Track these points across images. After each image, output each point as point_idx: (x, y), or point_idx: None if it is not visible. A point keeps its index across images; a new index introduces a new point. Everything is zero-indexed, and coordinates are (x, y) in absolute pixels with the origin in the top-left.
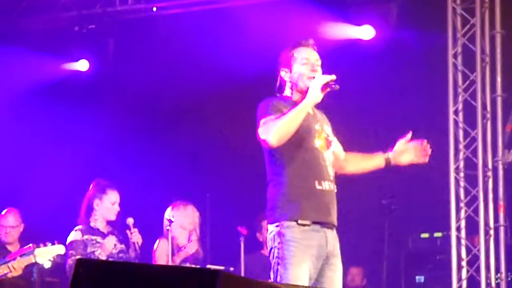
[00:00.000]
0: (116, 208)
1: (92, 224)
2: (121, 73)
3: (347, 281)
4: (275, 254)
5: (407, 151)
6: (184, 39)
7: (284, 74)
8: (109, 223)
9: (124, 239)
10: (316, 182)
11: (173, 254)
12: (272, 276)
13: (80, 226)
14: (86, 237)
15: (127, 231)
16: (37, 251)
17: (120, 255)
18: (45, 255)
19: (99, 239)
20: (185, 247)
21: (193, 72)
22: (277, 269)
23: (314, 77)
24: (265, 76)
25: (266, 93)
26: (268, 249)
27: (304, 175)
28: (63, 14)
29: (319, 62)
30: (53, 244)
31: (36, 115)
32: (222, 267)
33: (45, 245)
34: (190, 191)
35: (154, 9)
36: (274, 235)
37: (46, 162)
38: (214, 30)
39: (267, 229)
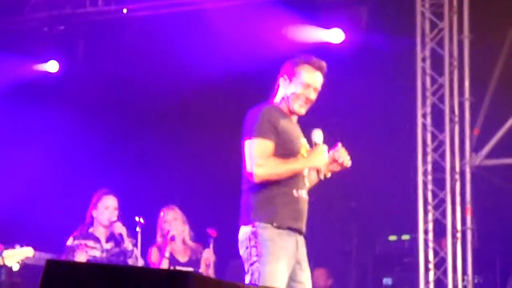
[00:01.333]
0: (110, 212)
1: (90, 230)
2: (90, 74)
3: (312, 282)
4: (252, 253)
5: (333, 162)
6: (154, 41)
7: (282, 81)
8: (109, 229)
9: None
10: (294, 190)
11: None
12: (248, 278)
13: (75, 232)
14: (76, 242)
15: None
16: (5, 253)
17: (112, 258)
18: (14, 257)
19: (90, 243)
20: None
21: (162, 74)
22: (256, 266)
23: (303, 101)
24: (235, 78)
25: (236, 94)
26: (242, 250)
27: (284, 183)
28: (33, 14)
29: (319, 89)
30: (21, 246)
31: (4, 116)
32: (191, 269)
33: (13, 247)
34: (160, 194)
35: (125, 10)
36: (249, 236)
37: (14, 163)
38: (184, 33)
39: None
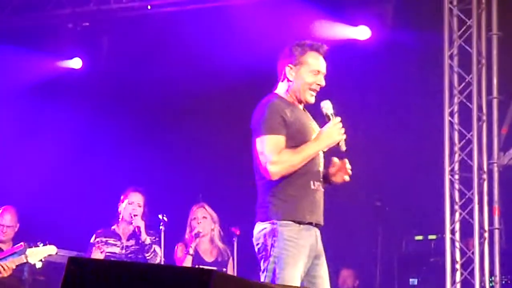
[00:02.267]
0: (133, 207)
1: (113, 227)
2: (114, 71)
3: (339, 284)
4: (271, 253)
5: (338, 171)
6: (179, 38)
7: (288, 71)
8: (132, 224)
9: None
10: (311, 182)
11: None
12: (264, 275)
13: (100, 230)
14: (98, 239)
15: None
16: (29, 251)
17: (130, 255)
18: (37, 255)
19: (111, 240)
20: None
21: (187, 70)
22: (274, 268)
23: (314, 89)
24: (260, 76)
25: (262, 92)
26: (257, 246)
27: (301, 174)
28: (56, 11)
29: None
30: (44, 244)
31: (29, 113)
32: (214, 268)
33: (36, 245)
34: (183, 191)
35: (149, 7)
36: (267, 233)
37: (40, 161)
38: (209, 29)
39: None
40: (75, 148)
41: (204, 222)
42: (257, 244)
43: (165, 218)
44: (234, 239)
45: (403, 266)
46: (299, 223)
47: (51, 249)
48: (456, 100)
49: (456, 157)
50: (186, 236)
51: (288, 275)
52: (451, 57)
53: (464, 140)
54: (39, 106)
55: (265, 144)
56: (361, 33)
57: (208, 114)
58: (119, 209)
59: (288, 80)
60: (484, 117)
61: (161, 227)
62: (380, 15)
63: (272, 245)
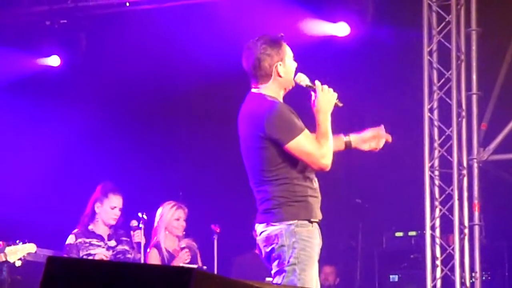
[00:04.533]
0: (116, 213)
1: (90, 227)
2: (93, 68)
3: (321, 280)
4: (293, 254)
5: (372, 139)
6: (157, 35)
7: (280, 68)
8: (111, 227)
9: (129, 241)
10: (313, 181)
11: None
12: (282, 275)
13: (76, 230)
14: (79, 240)
15: (131, 232)
16: (8, 249)
17: (118, 256)
18: (16, 253)
19: (94, 241)
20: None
21: (166, 68)
22: (294, 269)
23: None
24: (240, 74)
25: (241, 90)
26: (270, 247)
27: (306, 174)
28: (34, 8)
29: None
30: (24, 242)
31: (6, 111)
32: (195, 266)
33: (15, 243)
34: (164, 189)
35: (127, 4)
36: (284, 234)
37: (17, 159)
38: (188, 26)
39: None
40: (52, 146)
41: (183, 223)
42: (270, 245)
43: (144, 216)
44: (214, 236)
45: (383, 263)
46: (311, 222)
47: (31, 247)
48: (435, 96)
49: (436, 153)
50: (160, 239)
51: (309, 276)
52: (430, 53)
53: (444, 136)
54: (16, 104)
55: (304, 144)
56: (341, 29)
57: (187, 112)
58: (95, 209)
59: (279, 76)
60: (464, 113)
61: (141, 225)
62: (359, 11)
63: (292, 247)
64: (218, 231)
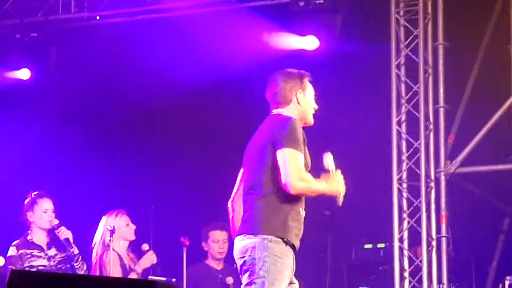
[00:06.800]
0: (49, 215)
1: (28, 238)
2: (63, 82)
3: None
4: (262, 267)
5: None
6: (129, 48)
7: (299, 96)
8: (49, 234)
9: (63, 249)
10: (301, 209)
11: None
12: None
13: (16, 241)
14: (21, 251)
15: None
16: None
17: (60, 266)
18: None
19: (35, 252)
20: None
21: (137, 81)
22: (262, 281)
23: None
24: (210, 86)
25: (211, 101)
26: (243, 259)
27: (296, 200)
28: (4, 21)
29: None
30: None
31: None
32: (164, 278)
33: None
34: (134, 203)
35: (98, 17)
36: (256, 247)
37: None
38: (158, 40)
39: (226, 239)
40: (24, 158)
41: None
42: (243, 257)
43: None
44: (183, 249)
45: (352, 275)
46: (286, 243)
47: None
48: (403, 109)
49: (404, 166)
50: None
51: None
52: (398, 66)
53: (411, 149)
54: None
55: (295, 159)
56: (310, 43)
57: (156, 125)
58: (29, 219)
59: (299, 104)
60: (431, 126)
61: (110, 238)
62: (328, 25)
63: (263, 260)
64: (187, 243)
